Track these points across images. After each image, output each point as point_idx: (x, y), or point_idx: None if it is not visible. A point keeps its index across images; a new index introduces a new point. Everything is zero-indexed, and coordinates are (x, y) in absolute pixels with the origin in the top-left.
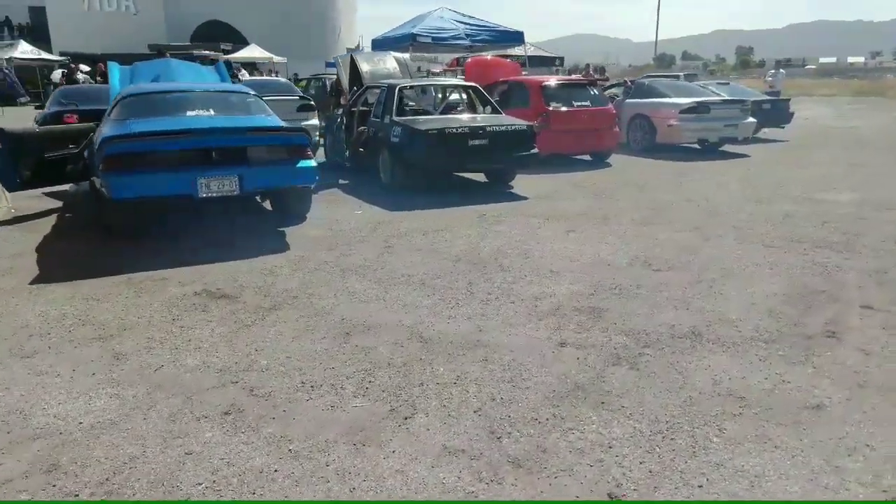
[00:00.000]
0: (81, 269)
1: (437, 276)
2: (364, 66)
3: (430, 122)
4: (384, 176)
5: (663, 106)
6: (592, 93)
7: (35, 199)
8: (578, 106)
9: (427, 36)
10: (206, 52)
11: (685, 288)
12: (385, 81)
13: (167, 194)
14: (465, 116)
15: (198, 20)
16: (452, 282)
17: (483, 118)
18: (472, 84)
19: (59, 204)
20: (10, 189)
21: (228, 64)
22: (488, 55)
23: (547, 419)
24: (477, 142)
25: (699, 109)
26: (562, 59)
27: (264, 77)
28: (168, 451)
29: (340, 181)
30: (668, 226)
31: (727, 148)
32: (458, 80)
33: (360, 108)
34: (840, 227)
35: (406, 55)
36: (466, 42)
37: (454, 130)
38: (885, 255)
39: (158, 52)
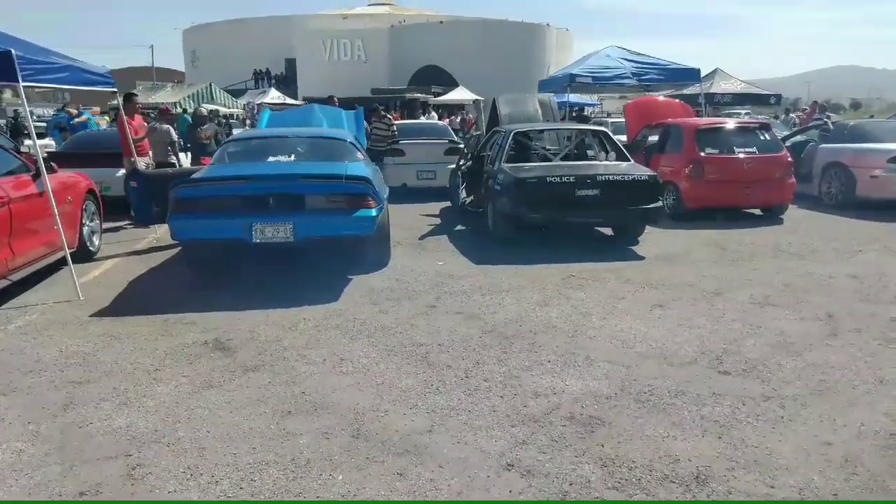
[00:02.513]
0: (140, 305)
1: (451, 348)
2: (504, 109)
3: (535, 169)
4: (490, 225)
5: (866, 152)
6: (763, 137)
7: None
8: (741, 152)
9: (587, 76)
10: (417, 94)
11: (741, 404)
12: (511, 126)
13: (223, 238)
14: (581, 164)
15: (416, 66)
16: (459, 358)
17: (600, 166)
18: (601, 128)
19: None
20: (144, 223)
21: (375, 109)
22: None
23: None
24: (586, 192)
25: None
26: (778, 96)
27: (422, 121)
28: None
29: (459, 227)
30: (793, 310)
31: None
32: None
33: (487, 154)
34: None
35: (552, 97)
36: (632, 81)
37: (558, 179)
38: None
39: (329, 98)
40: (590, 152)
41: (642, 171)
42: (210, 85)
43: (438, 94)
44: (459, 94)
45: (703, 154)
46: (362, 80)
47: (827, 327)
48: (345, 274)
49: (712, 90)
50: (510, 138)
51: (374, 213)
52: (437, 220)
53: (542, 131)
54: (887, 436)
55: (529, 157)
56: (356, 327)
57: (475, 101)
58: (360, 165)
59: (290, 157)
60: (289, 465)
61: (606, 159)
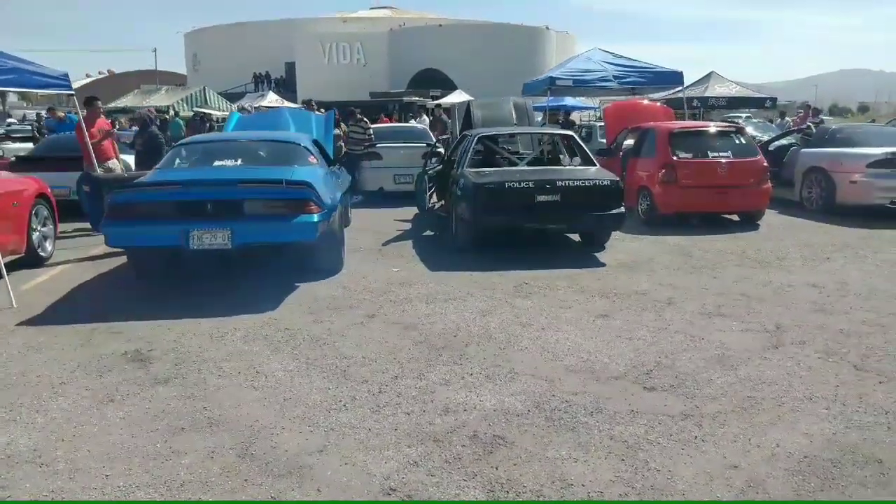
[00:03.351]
0: (72, 313)
1: (375, 361)
2: (477, 112)
3: (495, 174)
4: (453, 231)
5: (847, 157)
6: (738, 141)
7: None
8: (715, 157)
9: (567, 79)
10: (415, 98)
11: (657, 423)
12: (477, 130)
13: (159, 245)
14: (543, 169)
15: (415, 69)
16: (379, 372)
17: (562, 171)
18: (567, 132)
19: None
20: (97, 227)
21: (351, 113)
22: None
23: None
24: (546, 198)
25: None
26: (773, 99)
27: (398, 124)
28: None
29: (427, 233)
30: (742, 321)
31: None
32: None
33: (456, 157)
34: None
35: (528, 101)
36: (613, 84)
37: (517, 184)
38: None
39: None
40: (561, 157)
41: (604, 177)
42: (204, 88)
43: (436, 98)
44: (457, 98)
45: (675, 158)
46: (361, 84)
47: (771, 339)
48: (293, 281)
49: (707, 94)
50: (474, 142)
51: (315, 218)
52: (408, 226)
53: (511, 135)
54: (800, 458)
55: (496, 162)
56: (284, 338)
57: (454, 105)
58: (305, 170)
59: (236, 161)
60: (161, 488)
61: (572, 164)
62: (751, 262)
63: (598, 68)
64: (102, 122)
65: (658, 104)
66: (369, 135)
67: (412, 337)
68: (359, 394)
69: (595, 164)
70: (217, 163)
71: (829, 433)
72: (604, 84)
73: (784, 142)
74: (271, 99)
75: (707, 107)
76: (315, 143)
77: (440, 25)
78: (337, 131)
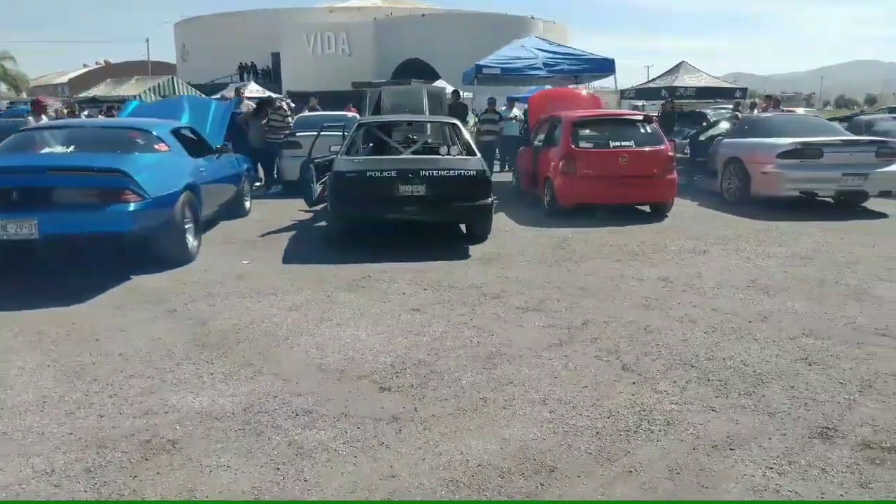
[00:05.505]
0: None
1: (128, 360)
2: (387, 101)
3: (360, 162)
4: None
5: (759, 147)
6: (644, 130)
7: None
8: (617, 146)
9: (495, 66)
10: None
11: (354, 427)
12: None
13: None
14: (411, 157)
15: (400, 59)
16: (117, 373)
17: (428, 160)
18: (452, 120)
19: None
20: None
21: (270, 100)
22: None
23: None
24: (409, 188)
25: (806, 153)
26: (744, 90)
27: (331, 112)
28: None
29: (319, 224)
30: (552, 317)
31: (879, 204)
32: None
33: None
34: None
35: (446, 88)
36: (543, 72)
37: (378, 173)
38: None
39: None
40: (450, 147)
41: (471, 167)
42: (172, 78)
43: (455, 90)
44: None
45: (575, 148)
46: (346, 74)
47: (564, 336)
48: (130, 273)
49: (675, 84)
50: (353, 129)
51: (131, 208)
52: (308, 216)
53: (409, 123)
54: (473, 467)
55: (382, 151)
56: (57, 334)
57: (369, 92)
58: (134, 157)
59: (68, 148)
60: None
61: (450, 154)
62: (623, 254)
63: (529, 55)
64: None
65: (586, 92)
66: (288, 122)
67: (193, 333)
68: (74, 394)
69: (475, 154)
70: (47, 150)
71: (528, 439)
72: (533, 72)
73: (715, 131)
74: (252, 89)
75: (675, 97)
76: (191, 130)
77: (423, 15)
78: None
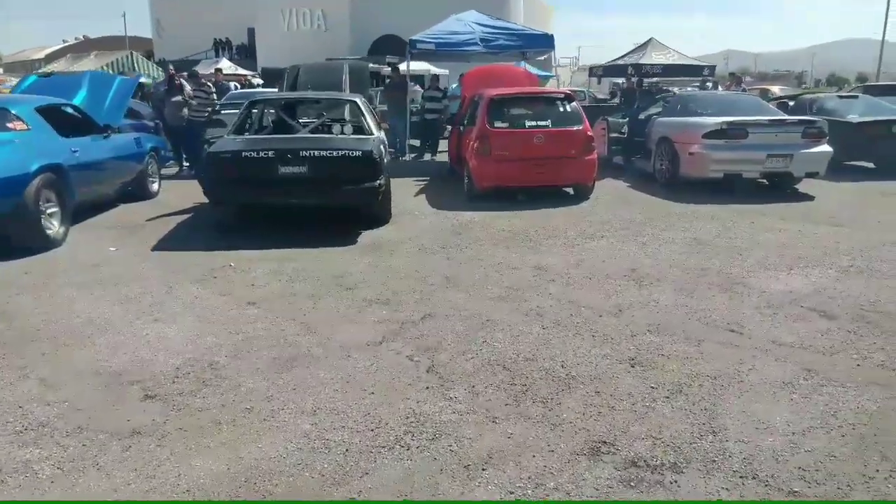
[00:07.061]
0: None
1: None
2: (303, 77)
3: (239, 142)
4: None
5: (686, 127)
6: (564, 109)
7: None
8: (533, 126)
9: (429, 42)
10: (372, 64)
11: (81, 444)
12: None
13: None
14: (300, 137)
15: (375, 35)
16: None
17: (313, 139)
18: (353, 98)
19: None
20: None
21: (193, 74)
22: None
23: None
24: (290, 169)
25: (731, 133)
26: (712, 67)
27: (258, 90)
28: None
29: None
30: (393, 310)
31: (811, 186)
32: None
33: None
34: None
35: (369, 65)
36: (479, 48)
37: (255, 153)
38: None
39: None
40: (350, 125)
41: (357, 147)
42: (131, 53)
43: (392, 64)
44: (418, 65)
45: (490, 128)
46: (322, 51)
47: (387, 333)
48: None
49: (642, 61)
50: (243, 108)
51: None
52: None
53: (317, 101)
54: (181, 491)
55: (281, 130)
56: None
57: (287, 69)
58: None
59: None
60: None
61: (344, 133)
62: (515, 241)
63: (466, 31)
64: None
65: (522, 69)
66: (213, 100)
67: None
68: None
69: (371, 134)
70: None
71: (265, 458)
72: (469, 48)
73: (653, 110)
74: (225, 65)
75: (642, 75)
76: (74, 107)
77: None
78: None
